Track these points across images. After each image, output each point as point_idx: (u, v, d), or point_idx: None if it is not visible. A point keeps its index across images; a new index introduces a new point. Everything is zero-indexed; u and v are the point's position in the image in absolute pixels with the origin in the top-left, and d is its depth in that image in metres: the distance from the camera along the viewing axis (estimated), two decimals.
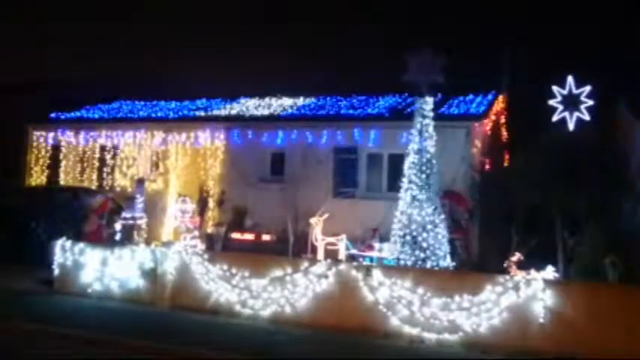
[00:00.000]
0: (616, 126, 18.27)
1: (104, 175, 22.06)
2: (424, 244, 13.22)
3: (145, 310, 12.63)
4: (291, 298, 11.70)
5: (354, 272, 11.36)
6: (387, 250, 14.83)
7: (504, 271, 12.73)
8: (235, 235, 17.95)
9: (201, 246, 16.28)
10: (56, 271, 14.14)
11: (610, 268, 12.53)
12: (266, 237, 17.77)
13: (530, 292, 10.17)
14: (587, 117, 14.69)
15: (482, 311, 10.34)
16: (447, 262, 13.59)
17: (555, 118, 14.93)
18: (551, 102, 15.02)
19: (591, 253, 13.64)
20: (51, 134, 22.97)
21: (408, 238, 13.37)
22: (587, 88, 14.82)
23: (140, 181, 17.61)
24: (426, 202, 13.48)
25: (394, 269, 12.03)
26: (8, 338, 10.43)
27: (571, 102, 14.86)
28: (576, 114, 14.74)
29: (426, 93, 13.83)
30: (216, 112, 22.14)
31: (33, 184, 22.66)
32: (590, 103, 14.78)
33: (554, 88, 14.99)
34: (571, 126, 14.76)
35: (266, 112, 21.31)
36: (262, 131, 19.80)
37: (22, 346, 10.10)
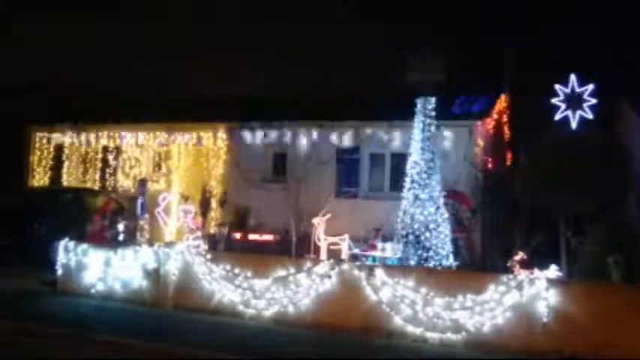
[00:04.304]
0: (619, 125, 18.25)
1: (107, 175, 22.09)
2: (427, 244, 13.22)
3: (147, 310, 12.64)
4: (294, 298, 11.70)
5: (356, 272, 11.35)
6: (389, 250, 14.83)
7: (508, 271, 12.72)
8: (238, 235, 17.96)
9: (203, 246, 16.28)
10: (59, 272, 14.17)
11: (613, 268, 12.52)
12: (269, 237, 17.78)
13: (534, 291, 10.14)
14: (590, 115, 14.67)
15: (485, 310, 10.32)
16: (450, 261, 13.58)
17: (558, 117, 14.90)
18: (554, 100, 15.00)
19: (595, 252, 13.63)
20: (53, 135, 22.99)
21: (411, 237, 13.37)
22: (591, 87, 14.80)
23: (142, 182, 17.63)
24: (428, 201, 13.48)
25: (397, 269, 12.01)
26: (11, 339, 10.44)
27: (573, 101, 14.84)
28: (579, 113, 14.71)
29: (428, 92, 13.82)
30: (219, 112, 22.12)
31: (35, 185, 22.69)
32: (594, 101, 14.75)
33: (557, 87, 14.97)
34: (574, 125, 14.73)
35: (269, 111, 21.27)
36: (265, 131, 19.81)
37: (25, 346, 10.11)
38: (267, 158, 20.16)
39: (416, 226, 13.37)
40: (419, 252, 13.22)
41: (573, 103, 14.90)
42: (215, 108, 22.85)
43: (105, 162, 22.30)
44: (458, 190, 16.40)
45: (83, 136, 22.48)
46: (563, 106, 14.94)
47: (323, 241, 16.28)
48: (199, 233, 16.28)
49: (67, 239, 14.23)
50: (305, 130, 19.25)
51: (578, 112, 14.72)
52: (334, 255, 15.56)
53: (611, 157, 14.58)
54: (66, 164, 22.73)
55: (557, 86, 14.99)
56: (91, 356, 9.73)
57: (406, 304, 10.83)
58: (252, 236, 18.00)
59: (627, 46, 22.75)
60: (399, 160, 18.31)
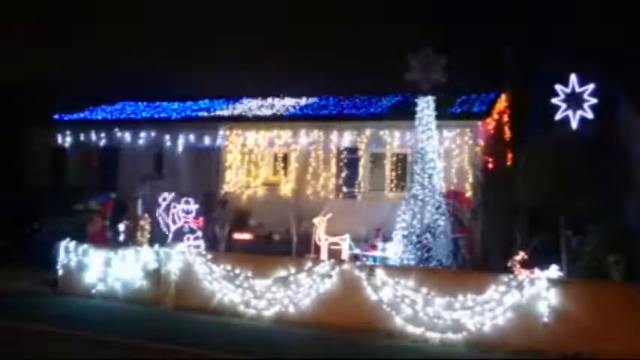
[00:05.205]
0: (619, 125, 18.26)
1: (108, 175, 22.08)
2: (427, 244, 13.20)
3: (148, 310, 12.65)
4: (295, 298, 11.70)
5: (357, 272, 11.35)
6: (390, 250, 14.82)
7: (508, 270, 12.71)
8: (238, 236, 17.94)
9: (204, 246, 16.26)
10: (60, 272, 14.17)
11: (614, 267, 12.52)
12: (269, 237, 17.77)
13: (534, 291, 10.15)
14: (590, 115, 14.62)
15: (486, 310, 10.32)
16: (450, 261, 13.57)
17: (558, 116, 14.87)
18: (554, 100, 14.97)
19: (595, 252, 13.62)
20: (54, 135, 23.02)
21: (412, 237, 13.36)
22: (591, 86, 14.75)
23: (143, 182, 17.61)
24: (429, 201, 13.47)
25: (397, 269, 12.02)
26: (12, 339, 10.45)
27: (574, 100, 14.78)
28: (579, 112, 14.67)
29: (429, 92, 13.81)
30: (219, 113, 22.17)
31: (36, 185, 22.67)
32: (594, 101, 14.71)
33: (557, 87, 14.94)
34: (574, 124, 14.70)
35: (269, 112, 21.31)
36: (265, 131, 19.83)
37: (25, 346, 10.12)
38: (267, 158, 20.16)
39: (417, 226, 13.36)
40: (419, 252, 13.22)
41: (573, 102, 14.85)
42: (215, 108, 22.93)
43: (105, 162, 22.28)
44: (458, 190, 16.40)
45: (84, 136, 22.52)
46: (563, 105, 14.90)
47: (324, 241, 16.27)
48: (200, 233, 16.25)
49: (67, 239, 14.24)
50: (306, 130, 19.25)
51: (579, 112, 14.67)
52: (335, 255, 15.56)
53: (611, 157, 14.59)
54: (67, 164, 22.77)
55: (557, 86, 14.96)
56: (92, 356, 9.74)
57: (407, 304, 10.84)
58: (252, 236, 17.99)
59: (627, 47, 22.75)
60: (400, 159, 18.36)
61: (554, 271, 12.87)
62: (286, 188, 19.17)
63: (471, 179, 16.80)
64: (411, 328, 10.77)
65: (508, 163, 19.01)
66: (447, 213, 14.08)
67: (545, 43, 25.04)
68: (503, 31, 24.36)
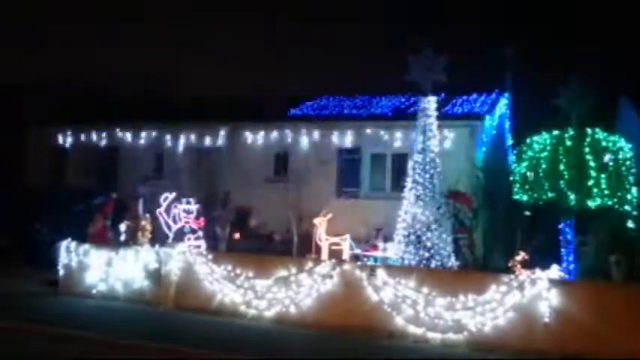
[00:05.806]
0: (620, 124, 18.25)
1: (108, 175, 22.08)
2: (428, 244, 13.20)
3: (149, 310, 12.66)
4: (296, 298, 11.71)
5: (358, 272, 11.36)
6: (391, 250, 14.83)
7: (509, 271, 12.72)
8: (239, 236, 17.95)
9: (205, 246, 16.26)
10: (61, 272, 14.18)
11: (614, 267, 12.54)
12: (270, 237, 17.80)
13: (535, 291, 10.15)
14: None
15: (486, 311, 10.33)
16: (452, 261, 13.57)
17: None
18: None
19: (596, 253, 13.63)
20: (54, 135, 23.02)
21: (412, 237, 13.35)
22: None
23: (144, 182, 17.61)
24: (430, 201, 13.46)
25: (398, 269, 12.02)
26: (13, 339, 10.45)
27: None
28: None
29: (429, 92, 13.79)
30: (219, 113, 22.14)
31: (36, 185, 22.65)
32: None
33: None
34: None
35: (269, 112, 21.29)
36: (266, 131, 19.83)
37: (25, 346, 10.12)
38: (268, 158, 20.16)
39: (417, 226, 13.34)
40: (420, 252, 13.20)
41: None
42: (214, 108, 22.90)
43: (106, 161, 22.28)
44: (459, 190, 16.40)
45: (84, 136, 22.51)
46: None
47: (324, 241, 16.27)
48: (200, 234, 16.25)
49: (68, 239, 14.24)
50: (306, 130, 19.25)
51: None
52: (335, 255, 15.56)
53: (610, 157, 14.53)
54: (68, 164, 22.76)
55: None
56: (92, 356, 9.74)
57: (408, 305, 10.84)
58: (253, 236, 17.99)
59: (628, 46, 22.76)
60: (401, 160, 18.35)
61: (555, 271, 12.90)
62: (287, 188, 19.15)
63: (471, 179, 16.80)
64: (412, 329, 10.78)
65: (508, 163, 19.01)
66: (448, 213, 14.07)
67: (545, 43, 25.06)
68: (503, 31, 24.38)
